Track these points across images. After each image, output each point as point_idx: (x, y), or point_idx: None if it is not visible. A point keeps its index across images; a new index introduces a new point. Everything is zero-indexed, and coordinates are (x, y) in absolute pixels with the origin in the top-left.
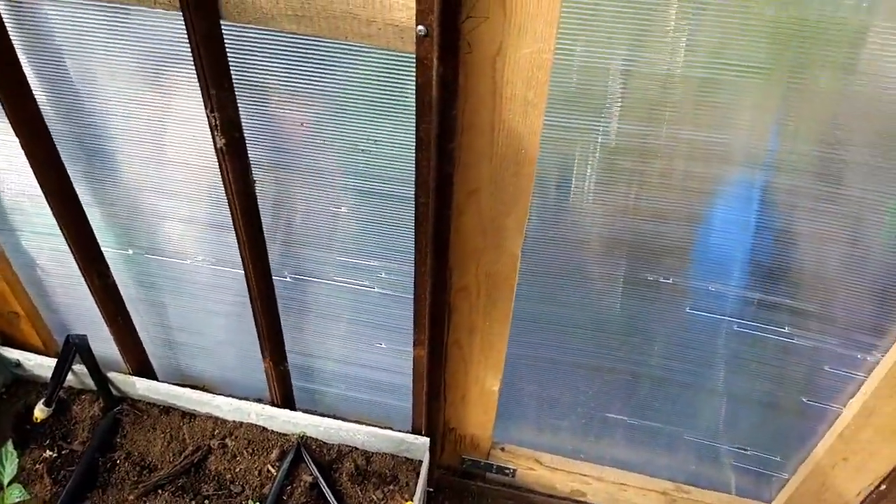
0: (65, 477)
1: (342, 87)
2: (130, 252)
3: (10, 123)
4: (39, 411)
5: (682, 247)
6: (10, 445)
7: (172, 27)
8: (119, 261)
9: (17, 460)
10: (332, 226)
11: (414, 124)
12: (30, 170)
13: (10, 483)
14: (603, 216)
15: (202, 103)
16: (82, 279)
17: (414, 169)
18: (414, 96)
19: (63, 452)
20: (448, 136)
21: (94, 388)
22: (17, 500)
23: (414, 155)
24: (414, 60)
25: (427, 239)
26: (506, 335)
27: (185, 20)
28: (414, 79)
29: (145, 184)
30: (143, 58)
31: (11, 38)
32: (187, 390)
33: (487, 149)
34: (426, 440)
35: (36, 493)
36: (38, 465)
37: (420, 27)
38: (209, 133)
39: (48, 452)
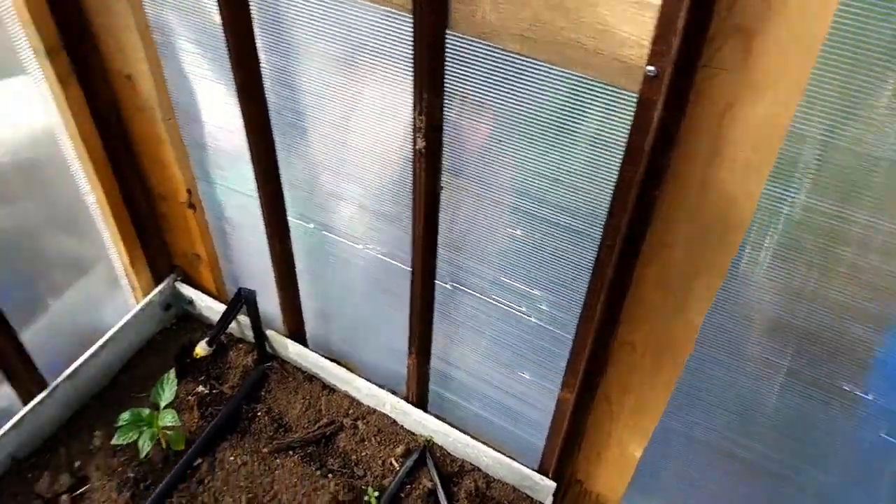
0: (211, 414)
1: (550, 112)
2: (311, 226)
3: (236, 88)
4: (201, 349)
5: (869, 355)
6: (172, 373)
7: (397, 27)
8: (299, 231)
9: (175, 388)
10: (504, 245)
11: (618, 164)
12: (242, 132)
13: (165, 406)
14: (775, 294)
15: (410, 103)
16: (264, 239)
17: (607, 209)
18: (626, 135)
19: (213, 391)
20: (653, 183)
21: (252, 340)
22: (169, 423)
23: (609, 195)
24: (633, 100)
25: (603, 284)
26: (663, 404)
27: (414, 24)
28: (629, 118)
29: (337, 166)
30: (361, 49)
31: (251, 11)
32: (333, 365)
33: (692, 204)
34: (553, 485)
35: (184, 422)
36: (190, 397)
37: (650, 68)
38: (409, 132)
39: (201, 388)
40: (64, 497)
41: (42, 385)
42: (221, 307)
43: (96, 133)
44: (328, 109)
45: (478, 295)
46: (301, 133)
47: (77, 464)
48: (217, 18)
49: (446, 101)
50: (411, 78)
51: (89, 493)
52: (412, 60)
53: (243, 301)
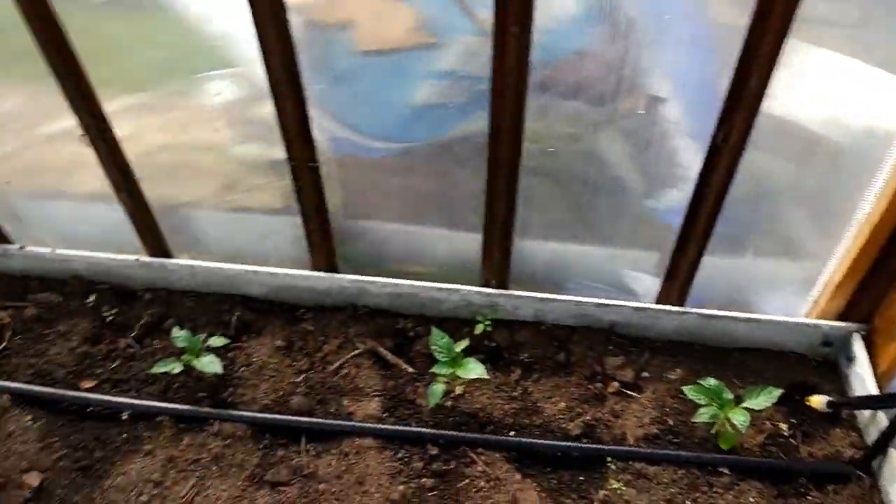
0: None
1: None
2: None
3: None
4: (818, 401)
5: None
6: (778, 391)
7: None
8: None
9: (773, 402)
10: None
11: None
12: None
13: (747, 408)
14: None
15: None
16: None
17: None
18: None
19: (790, 439)
20: None
21: (867, 439)
22: (740, 421)
23: None
24: None
25: None
26: None
27: None
28: None
29: None
30: None
31: None
32: None
33: None
34: None
35: (750, 434)
36: (760, 437)
37: None
38: None
39: (782, 426)
40: (615, 384)
41: (682, 302)
42: (874, 390)
43: None
44: None
45: None
46: None
47: (645, 374)
48: None
49: None
50: None
51: (631, 400)
52: None
53: None
